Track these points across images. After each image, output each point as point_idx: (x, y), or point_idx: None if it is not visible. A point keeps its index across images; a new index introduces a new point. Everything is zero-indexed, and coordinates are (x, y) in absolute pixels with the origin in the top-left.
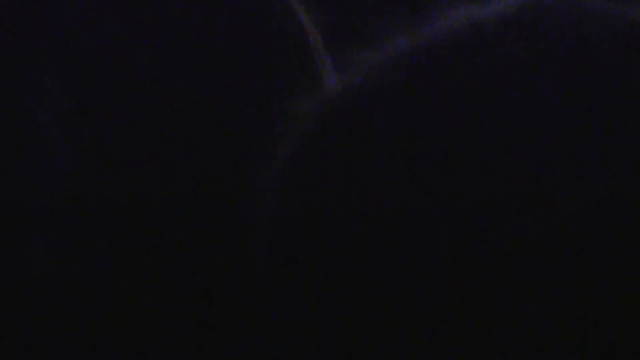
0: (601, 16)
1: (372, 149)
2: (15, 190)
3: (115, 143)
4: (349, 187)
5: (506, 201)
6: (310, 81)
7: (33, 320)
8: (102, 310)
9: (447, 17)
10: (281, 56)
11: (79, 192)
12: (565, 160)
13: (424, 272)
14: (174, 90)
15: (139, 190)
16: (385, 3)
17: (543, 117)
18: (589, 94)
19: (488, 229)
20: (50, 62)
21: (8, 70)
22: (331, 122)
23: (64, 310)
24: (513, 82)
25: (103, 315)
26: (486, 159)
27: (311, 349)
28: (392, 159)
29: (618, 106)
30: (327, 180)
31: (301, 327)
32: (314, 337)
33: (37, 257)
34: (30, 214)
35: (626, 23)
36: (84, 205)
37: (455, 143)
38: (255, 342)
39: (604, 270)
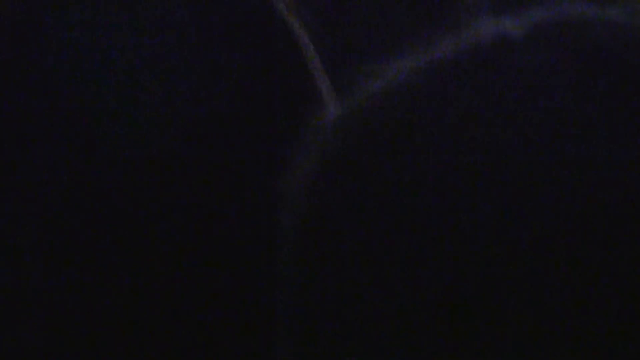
0: (629, 29)
1: (377, 179)
2: (15, 190)
3: (123, 148)
4: (360, 210)
5: (532, 205)
6: (311, 104)
7: (33, 322)
8: (112, 313)
9: (473, 30)
10: (281, 79)
11: (85, 194)
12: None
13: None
14: (178, 102)
15: (153, 200)
16: (406, 15)
17: (570, 131)
18: (619, 106)
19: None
20: (51, 65)
21: (8, 70)
22: (335, 145)
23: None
24: (540, 95)
25: (112, 318)
26: (509, 173)
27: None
28: (403, 180)
29: None
30: (337, 204)
31: (316, 328)
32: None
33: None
34: (35, 213)
35: None
36: (90, 207)
37: (475, 160)
38: (268, 346)
39: (604, 271)
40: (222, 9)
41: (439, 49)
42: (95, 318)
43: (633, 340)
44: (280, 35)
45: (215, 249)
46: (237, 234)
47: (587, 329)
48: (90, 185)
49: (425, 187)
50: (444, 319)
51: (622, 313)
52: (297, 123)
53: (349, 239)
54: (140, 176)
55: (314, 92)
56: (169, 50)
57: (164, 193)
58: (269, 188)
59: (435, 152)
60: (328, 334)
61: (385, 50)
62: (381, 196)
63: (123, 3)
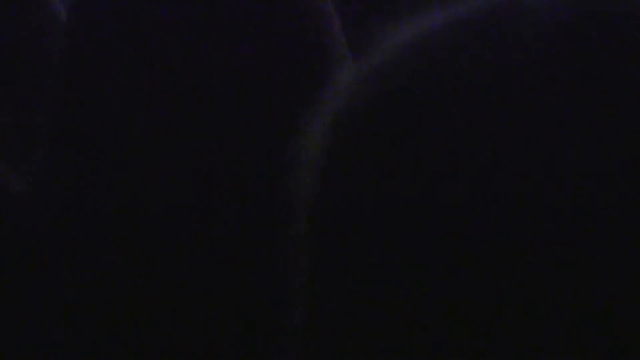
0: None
1: (393, 139)
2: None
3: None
4: (372, 180)
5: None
6: (329, 63)
7: (36, 321)
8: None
9: None
10: (299, 38)
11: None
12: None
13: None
14: (189, 84)
15: (161, 195)
16: None
17: (585, 94)
18: (607, 90)
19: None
20: (56, 64)
21: (9, 70)
22: (349, 111)
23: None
24: (554, 56)
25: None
26: (513, 150)
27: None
28: (415, 147)
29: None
30: (351, 173)
31: (324, 327)
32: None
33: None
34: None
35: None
36: (95, 208)
37: (491, 121)
38: (274, 344)
39: (605, 271)
40: None
41: (454, 8)
42: (96, 316)
43: (633, 341)
44: None
45: (228, 210)
46: (249, 200)
47: (587, 329)
48: (96, 182)
49: (443, 148)
50: (445, 315)
51: (622, 313)
52: (313, 83)
53: (363, 204)
54: (155, 142)
55: (331, 51)
56: (183, 12)
57: (175, 155)
58: (283, 151)
59: (453, 112)
60: (330, 325)
61: (402, 9)
62: (398, 158)
63: None
